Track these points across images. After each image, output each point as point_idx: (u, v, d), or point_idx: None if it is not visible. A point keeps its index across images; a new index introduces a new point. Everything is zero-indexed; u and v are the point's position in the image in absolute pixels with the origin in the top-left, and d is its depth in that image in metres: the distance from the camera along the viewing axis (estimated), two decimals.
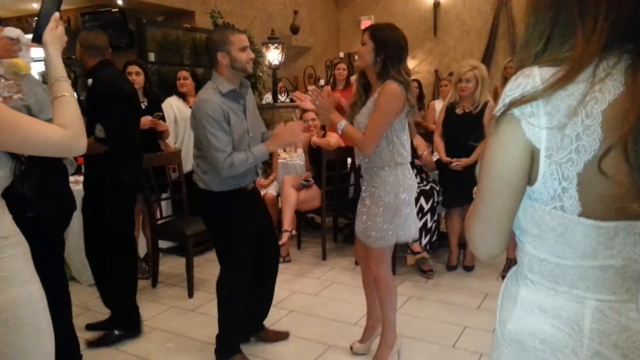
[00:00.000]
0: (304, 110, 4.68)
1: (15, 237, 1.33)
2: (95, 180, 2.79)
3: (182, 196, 3.82)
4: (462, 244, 3.96)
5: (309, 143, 4.35)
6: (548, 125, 0.82)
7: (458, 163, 3.62)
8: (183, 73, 4.29)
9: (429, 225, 3.73)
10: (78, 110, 1.34)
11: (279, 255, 2.90)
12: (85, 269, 3.37)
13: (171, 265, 4.14)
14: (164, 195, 3.88)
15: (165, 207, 3.98)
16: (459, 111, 3.68)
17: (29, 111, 1.88)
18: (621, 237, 0.85)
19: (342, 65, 5.30)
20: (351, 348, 2.70)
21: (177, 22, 5.99)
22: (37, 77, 5.20)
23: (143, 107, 3.75)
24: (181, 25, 5.90)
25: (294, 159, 4.80)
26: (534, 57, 0.89)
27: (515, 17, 7.19)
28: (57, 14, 1.40)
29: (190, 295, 3.51)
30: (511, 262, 3.62)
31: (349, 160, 4.32)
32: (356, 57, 2.36)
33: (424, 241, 3.69)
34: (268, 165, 4.58)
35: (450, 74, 5.15)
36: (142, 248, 4.00)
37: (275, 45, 6.06)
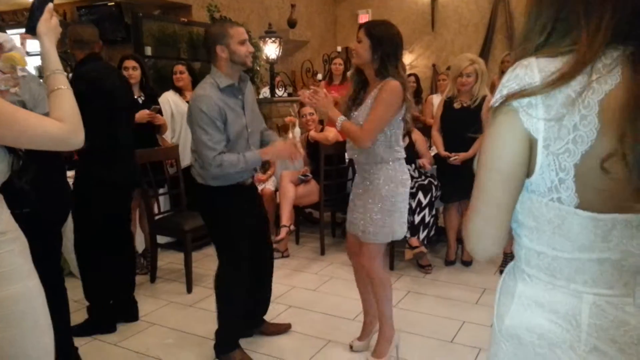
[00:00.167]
0: (302, 105, 4.67)
1: (13, 232, 1.32)
2: (81, 176, 2.78)
3: (180, 191, 3.81)
4: (460, 239, 3.96)
5: (307, 138, 4.34)
6: (546, 116, 0.82)
7: (457, 157, 3.62)
8: (179, 67, 4.26)
9: (427, 219, 3.73)
10: (75, 103, 1.33)
11: (272, 250, 2.91)
12: None
13: (169, 261, 4.13)
14: (161, 190, 3.87)
15: (163, 202, 3.97)
16: (456, 105, 3.67)
17: (24, 106, 1.86)
18: (618, 230, 0.85)
19: (339, 60, 5.27)
20: (351, 347, 2.69)
21: (174, 16, 5.95)
22: (33, 71, 5.17)
23: (140, 101, 3.73)
24: (178, 19, 5.86)
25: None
26: (534, 49, 0.88)
27: (513, 10, 7.17)
28: (50, 5, 1.38)
29: (189, 290, 3.50)
30: (508, 256, 3.63)
31: (347, 154, 4.31)
32: (355, 54, 2.35)
33: (422, 236, 3.69)
34: (266, 161, 4.57)
35: (448, 68, 5.13)
36: (140, 243, 4.00)
37: (273, 39, 6.03)
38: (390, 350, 2.53)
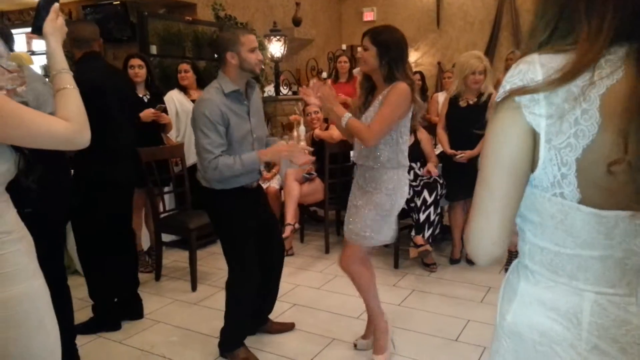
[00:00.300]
0: (307, 103, 4.67)
1: (19, 231, 1.32)
2: (79, 176, 2.76)
3: (185, 189, 3.82)
4: None
5: (311, 136, 4.34)
6: (548, 111, 0.82)
7: (463, 155, 3.61)
8: (184, 66, 4.27)
9: (432, 218, 3.72)
10: (81, 102, 1.33)
11: (283, 250, 2.91)
12: None
13: (174, 259, 4.14)
14: (166, 189, 3.88)
15: (168, 201, 3.98)
16: (462, 104, 3.66)
17: (27, 106, 1.87)
18: (621, 228, 0.84)
19: (344, 58, 5.27)
20: (355, 345, 2.70)
21: (179, 15, 5.96)
22: (39, 70, 5.19)
23: (145, 100, 3.74)
24: (183, 17, 5.86)
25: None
26: (538, 46, 0.89)
27: (519, 8, 7.14)
28: (56, 5, 1.39)
29: (194, 288, 3.51)
30: (513, 255, 3.62)
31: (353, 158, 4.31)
32: (362, 62, 2.37)
33: (427, 234, 3.68)
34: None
35: (454, 65, 5.12)
36: (146, 241, 4.01)
37: (278, 37, 6.02)
38: (388, 342, 2.56)
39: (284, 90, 6.27)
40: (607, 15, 0.81)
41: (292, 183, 4.19)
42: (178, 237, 4.23)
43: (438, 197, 3.77)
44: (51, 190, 2.03)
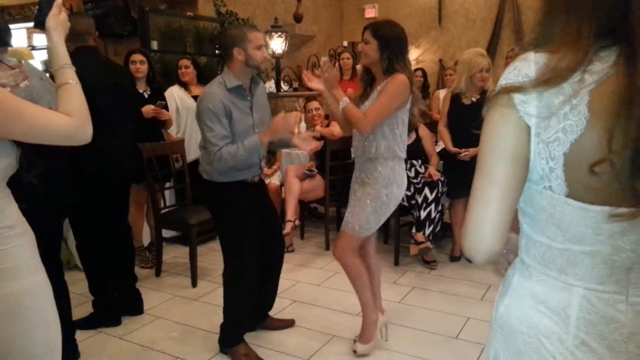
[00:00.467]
0: (307, 100, 4.66)
1: (21, 226, 1.32)
2: (74, 174, 2.73)
3: (185, 185, 3.82)
4: None
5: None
6: (539, 105, 0.84)
7: (467, 153, 3.61)
8: (184, 62, 4.25)
9: (433, 215, 3.72)
10: (83, 98, 1.33)
11: (283, 247, 2.91)
12: None
13: (175, 255, 4.15)
14: (167, 185, 3.88)
15: (169, 197, 3.98)
16: (466, 101, 3.66)
17: None
18: (608, 224, 0.84)
19: (347, 55, 5.25)
20: (355, 341, 2.69)
21: (180, 10, 5.94)
22: (40, 66, 5.18)
23: (146, 96, 3.74)
24: (184, 13, 5.84)
25: (297, 149, 4.78)
26: (534, 44, 0.91)
27: (520, 5, 7.11)
28: (59, 0, 1.39)
29: (194, 284, 3.52)
30: None
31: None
32: (363, 55, 2.41)
33: (428, 231, 3.68)
34: (272, 155, 4.57)
35: (456, 63, 5.10)
36: (146, 237, 4.01)
37: (279, 33, 6.00)
38: (375, 335, 2.59)
39: (284, 86, 6.25)
40: (585, 12, 0.83)
41: (292, 179, 4.19)
42: (178, 233, 4.23)
43: (439, 195, 3.76)
44: (51, 187, 2.03)
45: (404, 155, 2.46)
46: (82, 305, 3.01)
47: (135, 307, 3.08)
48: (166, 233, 3.91)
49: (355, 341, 2.69)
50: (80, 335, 2.64)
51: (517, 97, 0.86)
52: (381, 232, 4.10)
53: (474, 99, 3.62)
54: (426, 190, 3.73)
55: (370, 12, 8.27)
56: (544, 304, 0.91)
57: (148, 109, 3.57)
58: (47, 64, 4.90)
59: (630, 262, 0.86)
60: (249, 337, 2.67)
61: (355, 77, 4.94)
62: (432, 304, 3.19)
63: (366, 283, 2.56)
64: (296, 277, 3.66)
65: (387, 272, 3.67)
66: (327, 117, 4.51)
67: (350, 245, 2.49)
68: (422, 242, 3.66)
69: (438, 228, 3.82)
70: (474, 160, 3.51)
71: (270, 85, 6.24)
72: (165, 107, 3.78)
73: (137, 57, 3.71)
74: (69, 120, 1.25)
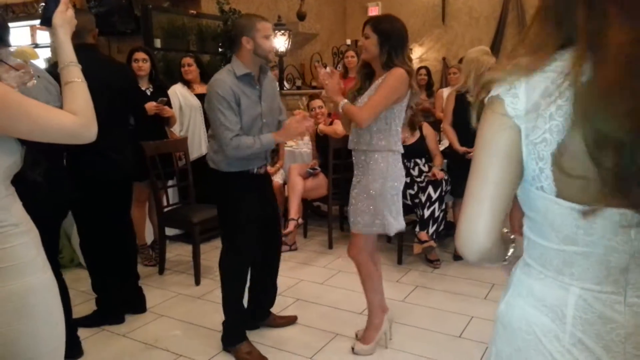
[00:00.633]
0: (311, 98, 4.66)
1: (26, 224, 1.32)
2: (73, 174, 2.69)
3: (188, 183, 3.82)
4: None
5: (315, 131, 4.33)
6: (526, 106, 0.85)
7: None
8: (187, 60, 4.25)
9: (437, 214, 3.71)
10: (89, 96, 1.32)
11: (280, 243, 2.93)
12: None
13: (178, 253, 4.15)
14: (170, 183, 3.88)
15: (172, 195, 3.98)
16: (471, 100, 3.63)
17: None
18: (599, 224, 0.84)
19: (351, 53, 5.22)
20: (356, 336, 2.70)
21: (183, 8, 5.94)
22: (43, 64, 5.17)
23: (148, 93, 3.73)
24: (187, 11, 5.84)
25: (300, 147, 4.78)
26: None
27: (524, 3, 7.08)
28: None
29: (197, 282, 3.52)
30: None
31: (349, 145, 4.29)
32: (363, 50, 2.42)
33: (431, 230, 3.67)
34: (275, 153, 4.57)
35: (460, 61, 5.08)
36: (149, 235, 4.02)
37: (282, 31, 6.00)
38: (377, 337, 2.59)
39: (287, 85, 6.25)
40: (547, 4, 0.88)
41: (295, 178, 4.18)
42: (181, 231, 4.22)
43: (442, 194, 3.76)
44: (52, 186, 2.02)
45: (399, 149, 2.46)
46: (85, 303, 3.02)
47: (138, 305, 3.08)
48: (169, 231, 3.91)
49: (357, 335, 2.69)
50: (83, 333, 2.64)
51: (508, 99, 0.87)
52: None
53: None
54: (430, 189, 3.72)
55: (374, 10, 8.25)
56: (542, 302, 0.92)
57: (150, 106, 3.57)
58: (50, 62, 4.90)
59: (625, 263, 0.85)
60: (251, 334, 2.67)
61: None
62: (435, 302, 3.18)
63: (376, 284, 2.56)
64: (299, 275, 3.66)
65: (391, 271, 3.67)
66: (330, 115, 4.50)
67: (361, 244, 2.50)
68: (425, 241, 3.65)
69: (442, 227, 3.81)
70: None
71: None
72: (168, 104, 3.77)
73: (140, 55, 3.71)
74: (74, 119, 1.25)
